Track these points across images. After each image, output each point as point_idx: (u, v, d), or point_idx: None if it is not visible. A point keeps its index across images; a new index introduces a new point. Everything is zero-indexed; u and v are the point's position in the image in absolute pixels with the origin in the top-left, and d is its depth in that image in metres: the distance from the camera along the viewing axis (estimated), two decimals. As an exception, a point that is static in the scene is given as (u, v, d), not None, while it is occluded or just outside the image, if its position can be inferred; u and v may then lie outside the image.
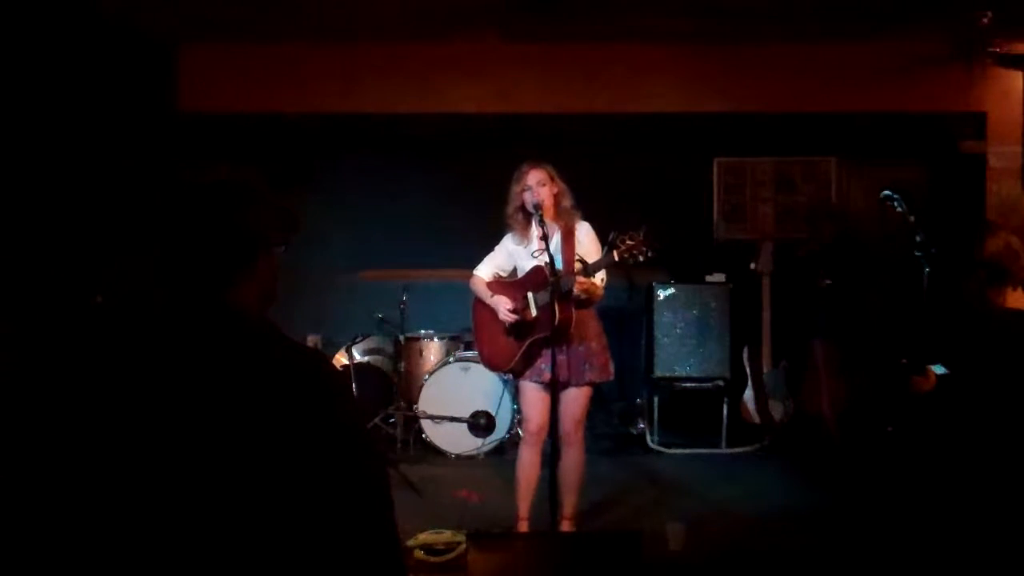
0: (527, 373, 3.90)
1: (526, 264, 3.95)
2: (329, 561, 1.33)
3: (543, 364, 3.82)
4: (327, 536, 1.33)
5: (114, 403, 1.35)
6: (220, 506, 1.30)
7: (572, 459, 3.88)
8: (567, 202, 3.92)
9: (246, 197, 1.50)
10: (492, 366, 4.11)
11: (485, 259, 4.10)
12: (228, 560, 1.30)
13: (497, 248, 4.10)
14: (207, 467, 1.31)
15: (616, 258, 3.65)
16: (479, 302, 4.07)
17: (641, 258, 3.63)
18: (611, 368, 3.95)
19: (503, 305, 3.89)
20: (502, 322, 3.92)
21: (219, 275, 1.45)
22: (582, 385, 3.85)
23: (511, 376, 4.15)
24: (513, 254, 4.03)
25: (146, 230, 1.51)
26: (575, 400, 3.85)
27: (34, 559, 1.32)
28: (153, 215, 1.49)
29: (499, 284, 4.04)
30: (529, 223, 3.92)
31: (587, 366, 3.84)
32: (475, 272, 4.09)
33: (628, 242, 3.62)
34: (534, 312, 3.82)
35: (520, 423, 4.57)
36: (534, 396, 3.91)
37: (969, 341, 2.66)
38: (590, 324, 3.89)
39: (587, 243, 3.91)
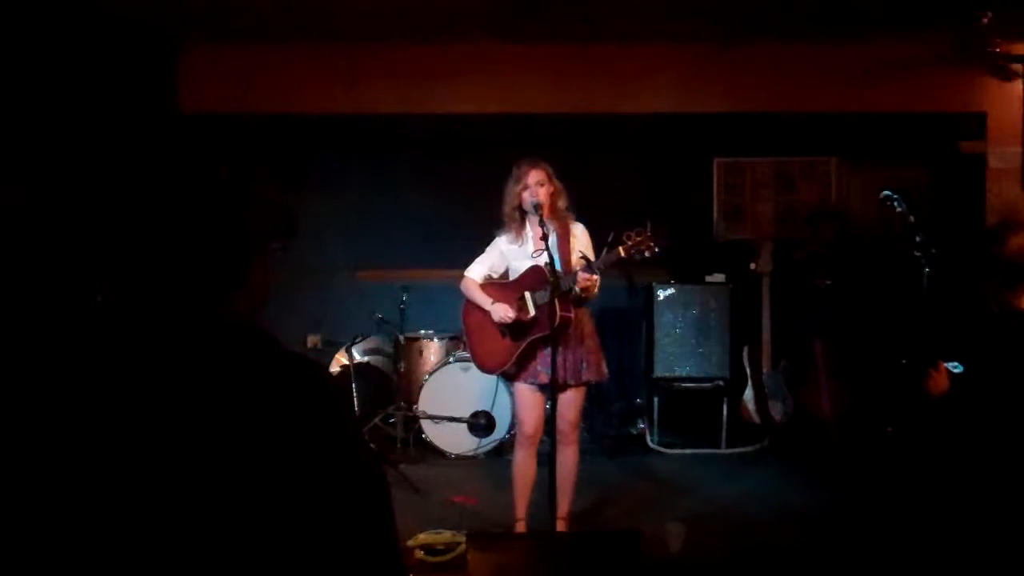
0: (521, 375, 3.88)
1: (520, 264, 3.92)
2: (330, 569, 1.32)
3: (539, 366, 3.82)
4: (328, 544, 1.32)
5: (112, 410, 1.31)
6: (218, 517, 1.28)
7: (568, 459, 3.87)
8: (563, 202, 3.91)
9: (244, 199, 1.44)
10: (486, 368, 4.06)
11: (477, 260, 4.04)
12: (225, 569, 1.29)
13: (489, 249, 4.04)
14: (205, 477, 1.29)
15: (623, 254, 3.64)
16: (471, 303, 4.02)
17: (647, 253, 3.63)
18: (605, 368, 3.95)
19: (503, 310, 3.83)
20: (496, 323, 3.88)
21: (214, 280, 1.39)
22: (579, 385, 3.85)
23: (504, 378, 4.07)
24: (507, 254, 3.99)
25: (138, 229, 1.45)
26: (572, 401, 3.84)
27: (25, 564, 1.31)
28: (146, 215, 1.42)
29: (491, 286, 4.00)
30: (524, 223, 3.92)
31: (584, 365, 3.84)
32: (466, 274, 4.03)
33: (636, 238, 3.63)
34: (532, 312, 3.81)
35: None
36: (530, 398, 3.90)
37: (984, 342, 2.63)
38: (586, 323, 3.90)
39: (583, 243, 3.91)
